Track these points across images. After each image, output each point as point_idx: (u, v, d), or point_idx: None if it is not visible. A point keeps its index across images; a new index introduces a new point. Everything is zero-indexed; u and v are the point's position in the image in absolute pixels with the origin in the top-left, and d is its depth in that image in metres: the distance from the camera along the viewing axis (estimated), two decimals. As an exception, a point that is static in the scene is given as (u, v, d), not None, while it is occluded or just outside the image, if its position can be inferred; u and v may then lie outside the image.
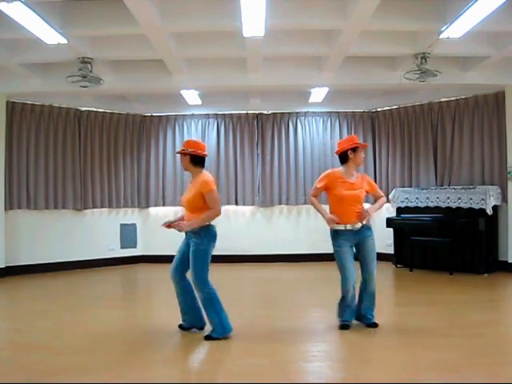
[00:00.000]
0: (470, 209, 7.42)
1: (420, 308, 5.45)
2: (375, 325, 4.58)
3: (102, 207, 8.88)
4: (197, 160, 4.41)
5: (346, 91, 8.66)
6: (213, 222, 4.35)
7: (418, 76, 6.60)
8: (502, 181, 7.60)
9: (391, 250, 8.53)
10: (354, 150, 4.56)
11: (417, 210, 8.10)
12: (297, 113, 9.33)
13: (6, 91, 7.64)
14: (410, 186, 8.62)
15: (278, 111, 9.33)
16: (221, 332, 4.28)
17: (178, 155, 4.57)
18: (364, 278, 4.58)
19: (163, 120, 9.39)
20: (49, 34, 5.44)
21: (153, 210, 9.41)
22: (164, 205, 9.31)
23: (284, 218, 9.39)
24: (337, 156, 4.72)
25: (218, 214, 4.27)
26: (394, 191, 8.54)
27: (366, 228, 4.57)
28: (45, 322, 4.99)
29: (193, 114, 9.35)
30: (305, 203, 9.24)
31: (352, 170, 4.61)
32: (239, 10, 4.94)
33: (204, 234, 4.27)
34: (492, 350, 3.92)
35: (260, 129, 9.35)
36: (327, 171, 4.73)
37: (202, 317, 4.50)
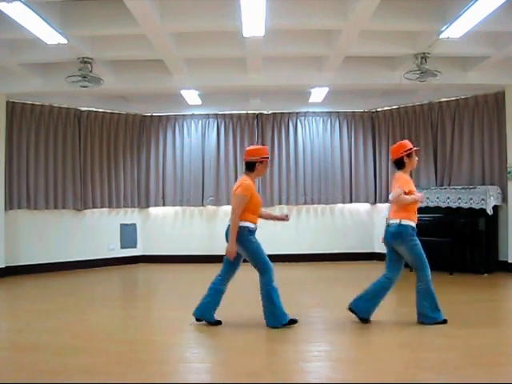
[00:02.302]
0: (470, 209, 7.41)
1: (420, 308, 5.43)
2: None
3: (102, 207, 8.88)
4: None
5: (346, 91, 8.66)
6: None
7: (418, 76, 6.60)
8: (501, 181, 7.60)
9: (391, 250, 8.51)
10: (409, 155, 4.77)
11: (417, 209, 8.06)
12: (297, 113, 9.32)
13: (5, 91, 7.63)
14: (410, 186, 8.62)
15: (278, 111, 9.32)
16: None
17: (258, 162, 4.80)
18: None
19: (163, 120, 9.39)
20: (49, 34, 5.45)
21: (153, 209, 9.41)
22: (164, 205, 9.31)
23: (284, 218, 9.37)
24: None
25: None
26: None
27: None
28: (45, 322, 4.98)
29: (193, 114, 9.34)
30: (305, 203, 9.25)
31: (408, 173, 4.86)
32: (239, 9, 4.94)
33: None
34: (492, 350, 3.92)
35: (260, 129, 9.35)
36: (407, 176, 4.81)
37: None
